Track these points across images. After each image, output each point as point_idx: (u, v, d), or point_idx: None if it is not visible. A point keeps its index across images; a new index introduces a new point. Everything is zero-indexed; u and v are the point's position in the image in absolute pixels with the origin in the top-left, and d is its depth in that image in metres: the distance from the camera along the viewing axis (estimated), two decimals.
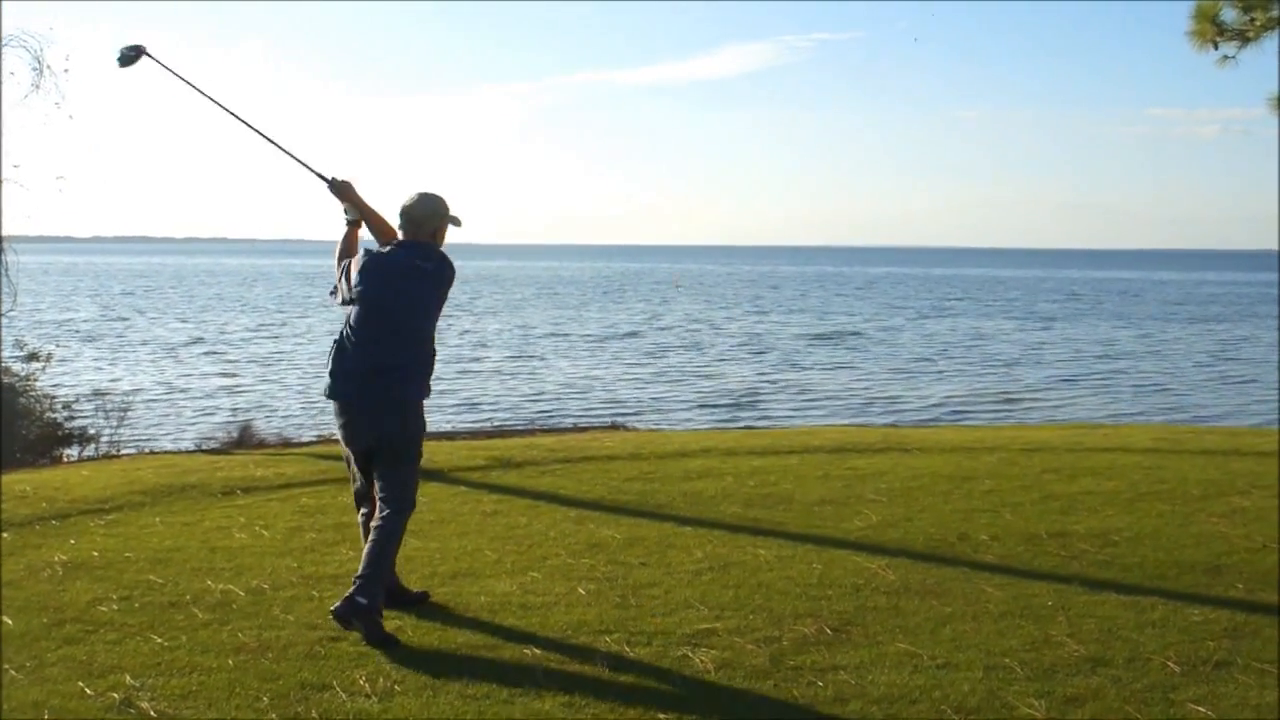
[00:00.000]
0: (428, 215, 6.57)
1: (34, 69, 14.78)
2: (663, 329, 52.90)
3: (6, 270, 14.63)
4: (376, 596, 6.17)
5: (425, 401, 6.64)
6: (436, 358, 6.69)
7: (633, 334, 50.06)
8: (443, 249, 6.70)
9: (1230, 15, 10.95)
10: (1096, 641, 6.08)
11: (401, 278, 6.48)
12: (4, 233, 14.87)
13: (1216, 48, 11.05)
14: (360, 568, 6.27)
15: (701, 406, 27.73)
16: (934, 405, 28.04)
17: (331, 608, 6.21)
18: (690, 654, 5.90)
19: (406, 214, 6.57)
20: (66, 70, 15.05)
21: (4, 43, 14.63)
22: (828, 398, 29.56)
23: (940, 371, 35.69)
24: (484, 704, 5.25)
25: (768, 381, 32.69)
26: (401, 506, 6.44)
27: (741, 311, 67.09)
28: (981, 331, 52.59)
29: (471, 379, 32.68)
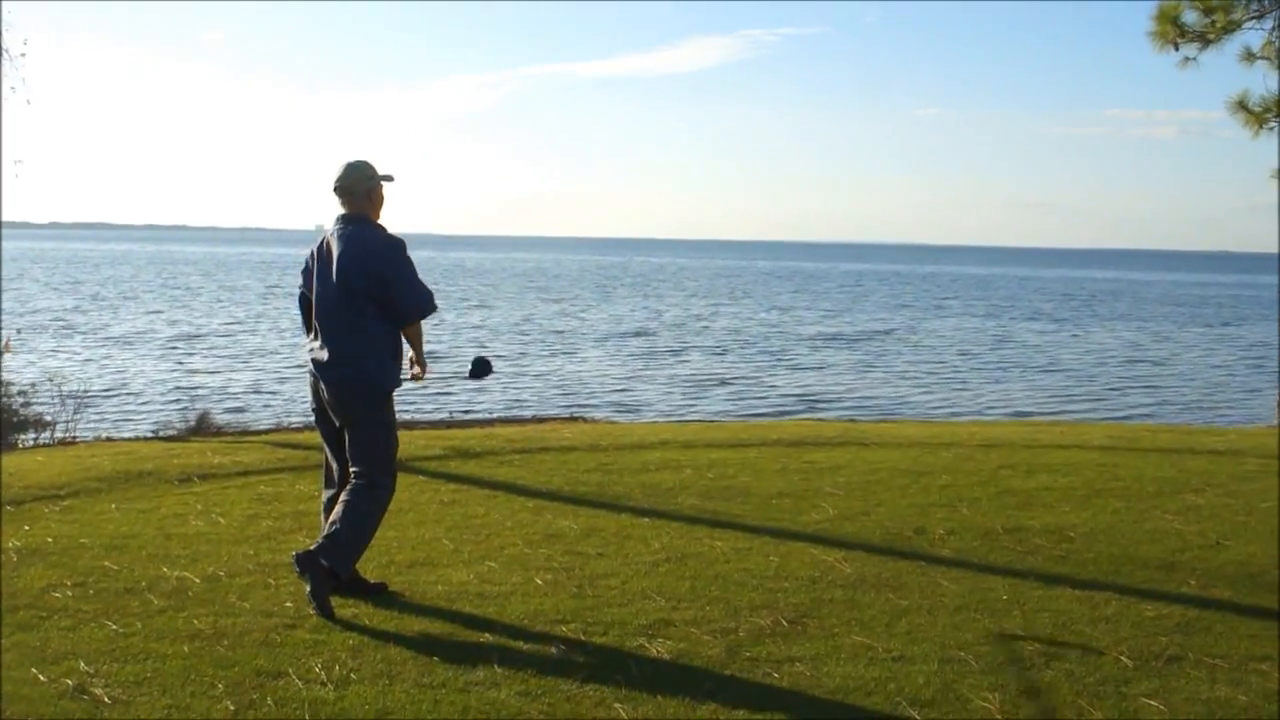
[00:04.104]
0: (357, 179, 6.68)
1: None
2: (674, 326, 50.88)
3: None
4: (338, 564, 6.40)
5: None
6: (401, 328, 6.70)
7: (643, 332, 47.76)
8: (382, 223, 6.79)
9: (1191, 17, 11.04)
10: (1050, 636, 6.13)
11: (329, 260, 6.63)
12: None
13: (1177, 49, 11.14)
14: (326, 527, 6.52)
15: (748, 415, 25.47)
16: (988, 408, 27.14)
17: (296, 552, 6.49)
18: (646, 644, 5.91)
19: (339, 188, 6.69)
20: (24, 55, 14.91)
21: None
22: (870, 400, 28.46)
23: (988, 376, 34.49)
24: (439, 693, 5.24)
25: (804, 387, 31.05)
26: (370, 477, 6.58)
27: (744, 308, 65.06)
28: (994, 332, 51.35)
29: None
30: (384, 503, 6.70)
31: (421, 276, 6.71)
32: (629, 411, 25.57)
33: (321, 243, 6.76)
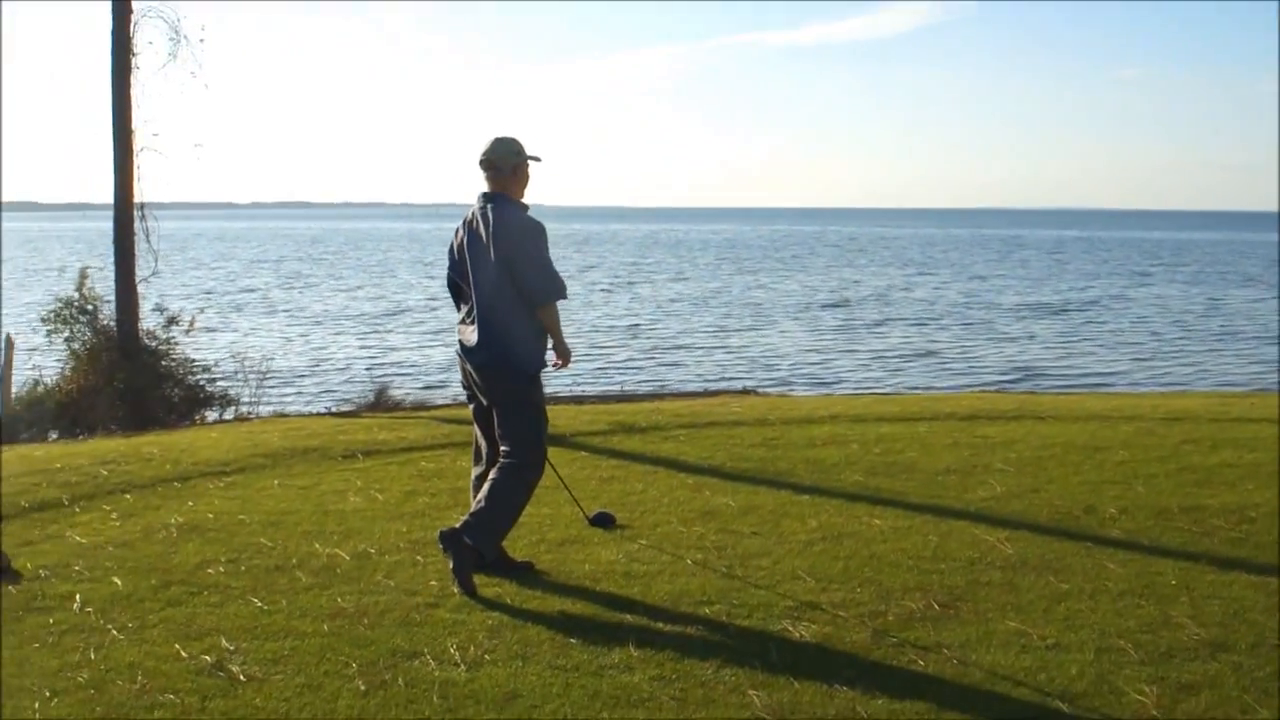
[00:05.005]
0: (504, 155, 6.66)
1: (171, 39, 15.15)
2: (872, 297, 49.43)
3: (147, 236, 15.00)
4: (481, 543, 6.39)
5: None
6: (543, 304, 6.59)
7: (840, 303, 46.54)
8: (525, 201, 6.76)
9: None
10: (1220, 625, 5.76)
11: (470, 240, 6.66)
12: (153, 199, 15.25)
13: None
14: (472, 505, 6.57)
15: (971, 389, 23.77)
16: (1223, 381, 25.67)
17: (441, 529, 6.52)
18: (791, 627, 5.74)
19: (485, 161, 6.67)
20: (202, 40, 15.44)
21: (142, 14, 14.96)
22: (1081, 372, 27.39)
23: (1205, 346, 32.87)
24: (571, 676, 5.15)
25: (1008, 359, 29.83)
26: (518, 456, 6.57)
27: (942, 278, 63.15)
28: (1203, 298, 49.14)
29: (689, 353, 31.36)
30: (531, 483, 6.65)
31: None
32: (824, 385, 25.15)
33: (466, 222, 6.72)
